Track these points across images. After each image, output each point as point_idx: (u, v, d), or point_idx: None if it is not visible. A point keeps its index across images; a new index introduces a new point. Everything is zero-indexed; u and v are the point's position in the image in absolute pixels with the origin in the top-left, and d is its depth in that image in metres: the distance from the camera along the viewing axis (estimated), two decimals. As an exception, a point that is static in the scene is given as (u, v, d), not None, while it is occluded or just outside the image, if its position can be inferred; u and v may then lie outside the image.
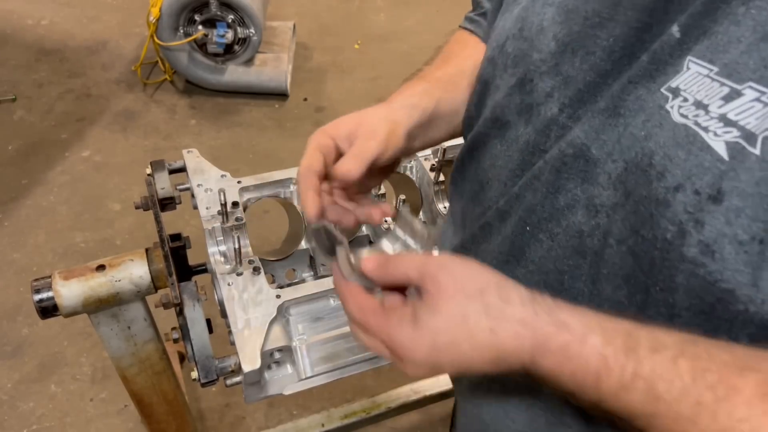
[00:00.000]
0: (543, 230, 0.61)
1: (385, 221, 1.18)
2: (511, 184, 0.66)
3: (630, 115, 0.54)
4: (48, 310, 1.03)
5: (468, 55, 0.85)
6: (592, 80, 0.59)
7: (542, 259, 0.62)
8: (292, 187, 1.22)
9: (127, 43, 3.42)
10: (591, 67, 0.59)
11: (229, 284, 1.03)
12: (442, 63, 0.86)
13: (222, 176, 1.17)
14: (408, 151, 0.75)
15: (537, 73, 0.63)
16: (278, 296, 1.02)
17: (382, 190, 1.20)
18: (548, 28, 0.63)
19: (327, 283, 1.05)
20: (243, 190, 1.17)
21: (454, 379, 0.83)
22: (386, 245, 0.64)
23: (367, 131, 0.68)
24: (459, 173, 0.79)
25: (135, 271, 1.06)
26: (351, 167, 0.64)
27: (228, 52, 3.00)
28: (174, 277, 1.02)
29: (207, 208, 1.12)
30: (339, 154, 0.68)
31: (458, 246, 0.75)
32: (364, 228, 1.30)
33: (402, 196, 1.10)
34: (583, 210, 0.58)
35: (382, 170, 0.74)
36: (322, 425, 1.70)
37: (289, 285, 1.15)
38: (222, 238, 1.08)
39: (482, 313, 0.49)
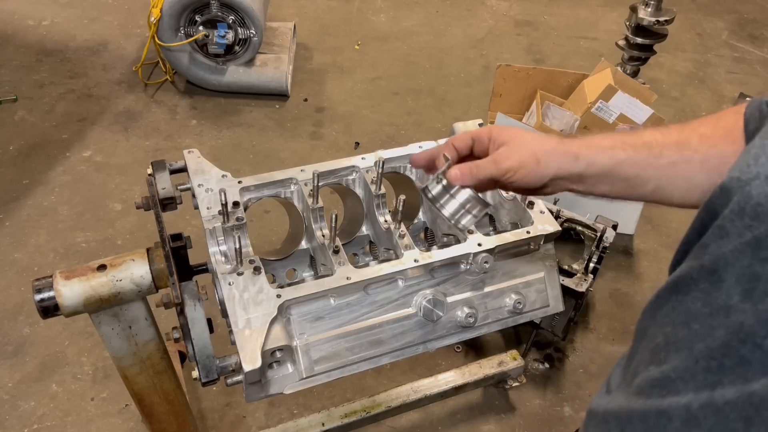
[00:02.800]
0: None
1: (385, 221, 1.19)
2: (708, 377, 0.53)
3: None
4: (49, 309, 1.04)
5: (709, 135, 0.75)
6: None
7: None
8: (293, 187, 1.23)
9: (128, 44, 3.43)
10: None
11: (229, 284, 1.03)
12: (659, 129, 0.80)
13: (223, 176, 1.18)
14: (554, 190, 0.85)
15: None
16: (279, 296, 1.02)
17: (382, 190, 1.20)
18: None
19: (327, 283, 1.05)
20: (244, 190, 1.17)
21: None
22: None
23: (504, 153, 0.83)
24: (651, 310, 0.66)
25: (136, 271, 1.06)
26: (458, 177, 0.83)
27: (229, 52, 3.00)
28: (175, 276, 1.02)
29: (208, 208, 1.12)
30: (486, 151, 0.86)
31: (625, 415, 0.63)
32: (364, 228, 1.30)
33: (402, 196, 1.11)
34: None
35: (519, 189, 0.85)
36: (323, 424, 1.71)
37: (289, 285, 1.15)
38: (223, 237, 1.08)
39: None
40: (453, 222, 0.87)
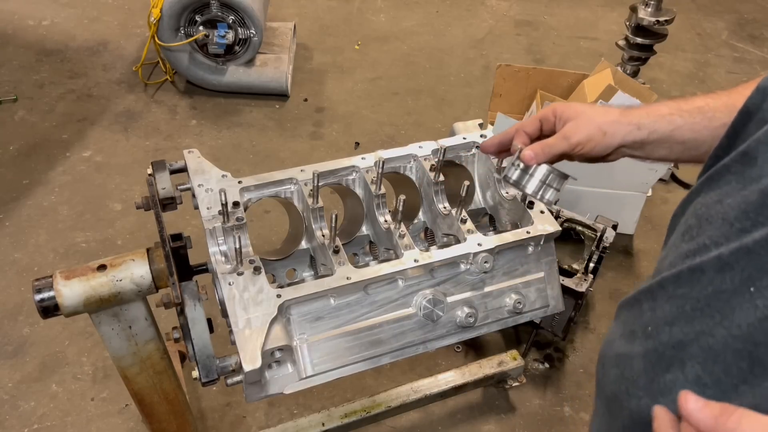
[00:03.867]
0: (763, 296, 0.54)
1: (385, 221, 1.19)
2: (741, 229, 0.58)
3: None
4: (49, 309, 1.04)
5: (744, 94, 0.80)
6: None
7: (751, 327, 0.56)
8: (293, 187, 1.23)
9: (128, 44, 3.43)
10: None
11: (229, 284, 1.03)
12: (709, 94, 0.89)
13: (223, 176, 1.18)
14: (617, 157, 0.93)
15: None
16: (279, 296, 1.02)
17: (382, 190, 1.20)
18: None
19: (327, 283, 1.05)
20: (244, 190, 1.17)
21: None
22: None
23: (572, 128, 0.90)
24: (683, 205, 0.72)
25: (136, 271, 1.06)
26: (532, 156, 0.91)
27: (229, 52, 3.00)
28: (175, 276, 1.02)
29: (208, 208, 1.12)
30: (553, 128, 0.94)
31: (656, 284, 0.68)
32: (364, 228, 1.30)
33: (402, 196, 1.11)
34: None
35: (586, 159, 0.93)
36: (323, 424, 1.71)
37: (289, 284, 1.15)
38: (223, 237, 1.09)
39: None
40: (538, 198, 0.95)
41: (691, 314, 0.61)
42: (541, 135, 0.97)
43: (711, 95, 0.87)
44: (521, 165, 0.93)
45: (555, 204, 1.02)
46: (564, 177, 0.94)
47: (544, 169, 0.93)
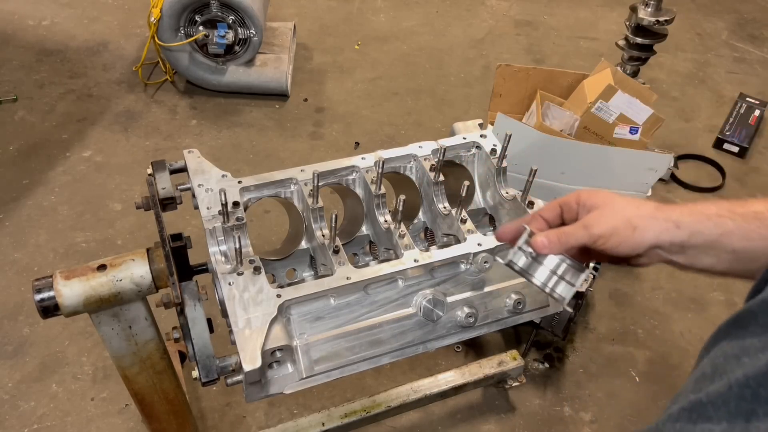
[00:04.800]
0: None
1: (385, 221, 1.19)
2: (740, 402, 0.52)
3: None
4: (49, 309, 1.04)
5: None
6: None
7: None
8: (293, 187, 1.23)
9: (128, 44, 3.43)
10: None
11: (229, 284, 1.03)
12: None
13: (223, 176, 1.18)
14: (651, 261, 0.79)
15: None
16: (279, 296, 1.02)
17: (382, 190, 1.21)
18: None
19: (327, 283, 1.05)
20: (244, 190, 1.17)
21: None
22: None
23: (595, 218, 0.78)
24: (712, 341, 0.64)
25: (136, 271, 1.06)
26: (545, 245, 0.78)
27: (228, 52, 3.00)
28: (175, 276, 1.02)
29: (208, 208, 1.12)
30: (576, 217, 0.81)
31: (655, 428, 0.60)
32: (364, 228, 1.30)
33: (402, 196, 1.11)
34: None
35: (611, 258, 0.80)
36: (323, 424, 1.71)
37: (289, 284, 1.15)
38: (223, 237, 1.09)
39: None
40: (547, 291, 0.82)
41: None
42: (562, 224, 0.85)
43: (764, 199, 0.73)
44: (531, 251, 0.81)
45: (568, 304, 0.88)
46: (581, 269, 0.81)
47: (557, 257, 0.80)
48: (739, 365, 0.55)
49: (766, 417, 0.49)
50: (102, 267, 1.05)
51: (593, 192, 0.81)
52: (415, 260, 1.10)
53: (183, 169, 1.21)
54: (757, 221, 0.72)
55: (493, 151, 1.29)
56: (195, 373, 1.04)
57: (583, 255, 0.83)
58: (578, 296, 1.90)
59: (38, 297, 1.03)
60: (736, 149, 3.02)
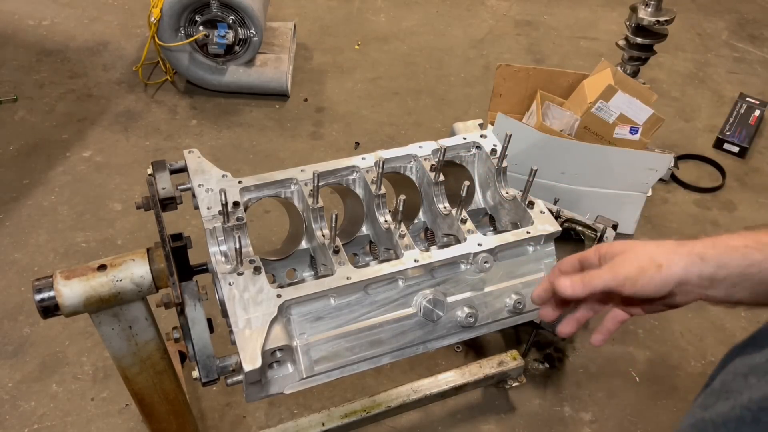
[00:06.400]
0: None
1: (385, 221, 1.19)
2: (740, 425, 0.54)
3: None
4: (49, 309, 1.04)
5: None
6: None
7: None
8: (293, 187, 1.23)
9: (128, 44, 3.43)
10: None
11: (230, 284, 1.03)
12: None
13: (223, 176, 1.18)
14: (685, 300, 0.77)
15: None
16: (279, 296, 1.02)
17: (383, 190, 1.20)
18: None
19: (327, 283, 1.05)
20: (244, 190, 1.17)
21: None
22: None
23: (619, 261, 0.76)
24: (728, 356, 0.66)
25: (136, 271, 1.06)
26: (569, 287, 0.77)
27: (229, 52, 3.00)
28: (175, 276, 1.02)
29: (208, 208, 1.12)
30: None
31: None
32: (364, 228, 1.30)
33: (402, 196, 1.11)
34: None
35: (643, 303, 0.79)
36: (323, 424, 1.71)
37: (289, 285, 1.15)
38: (223, 237, 1.09)
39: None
40: None
41: None
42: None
43: None
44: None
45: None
46: None
47: None
48: (746, 385, 0.54)
49: None
50: (102, 267, 1.05)
51: (614, 243, 0.81)
52: (415, 260, 1.10)
53: (183, 169, 1.21)
54: None
55: (493, 151, 1.29)
56: (195, 373, 1.04)
57: (615, 303, 0.82)
58: (578, 296, 1.90)
59: (38, 297, 1.02)
60: (736, 149, 3.02)
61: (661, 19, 2.62)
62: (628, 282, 0.74)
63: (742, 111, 3.17)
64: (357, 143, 2.94)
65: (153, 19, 2.82)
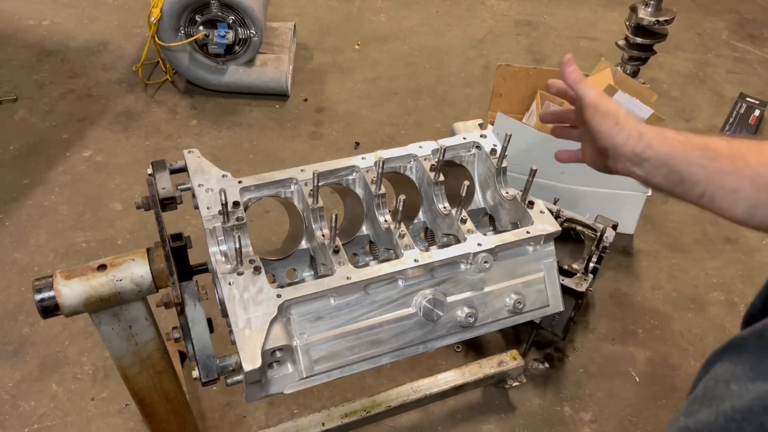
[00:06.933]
0: None
1: (385, 221, 1.19)
2: None
3: None
4: (49, 309, 1.04)
5: None
6: None
7: None
8: (293, 187, 1.23)
9: (128, 44, 3.43)
10: None
11: (230, 284, 1.03)
12: (728, 138, 0.82)
13: (223, 176, 1.18)
14: (618, 167, 0.93)
15: None
16: (279, 295, 1.02)
17: (382, 190, 1.21)
18: None
19: (327, 283, 1.05)
20: (244, 189, 1.17)
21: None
22: None
23: (602, 96, 0.95)
24: (710, 361, 0.66)
25: (136, 271, 1.06)
26: (569, 61, 1.05)
27: (229, 52, 3.00)
28: (175, 276, 1.02)
29: (208, 208, 1.12)
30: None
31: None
32: (364, 228, 1.30)
33: (402, 196, 1.11)
34: None
35: (591, 139, 0.96)
36: (323, 424, 1.71)
37: (289, 284, 1.15)
38: (223, 237, 1.09)
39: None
40: None
41: None
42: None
43: (727, 139, 0.80)
44: None
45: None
46: None
47: None
48: (728, 393, 0.56)
49: None
50: (102, 267, 1.05)
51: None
52: (415, 260, 1.10)
53: (183, 169, 1.21)
54: (702, 150, 0.80)
55: (493, 151, 1.29)
56: (195, 373, 1.04)
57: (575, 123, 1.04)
58: (578, 296, 1.90)
59: (38, 297, 1.03)
60: (736, 149, 3.02)
61: (661, 19, 2.62)
62: (590, 110, 0.93)
63: (742, 111, 3.17)
64: (357, 143, 2.94)
65: (153, 19, 2.82)
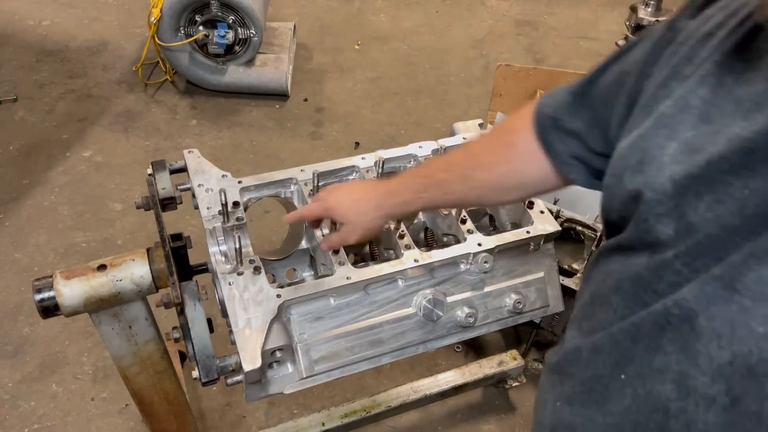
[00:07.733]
0: (631, 385, 0.56)
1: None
2: (617, 318, 0.60)
3: (748, 295, 0.47)
4: (49, 309, 1.04)
5: (490, 161, 0.88)
6: (714, 233, 0.51)
7: (621, 416, 0.57)
8: (293, 187, 1.23)
9: (128, 44, 3.43)
10: (716, 217, 0.50)
11: (229, 284, 1.03)
12: (453, 162, 0.92)
13: (223, 176, 1.18)
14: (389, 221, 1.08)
15: (652, 214, 0.56)
16: (279, 296, 1.02)
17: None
18: (667, 166, 0.55)
19: (327, 283, 1.05)
20: (244, 190, 1.17)
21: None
22: None
23: (348, 229, 0.96)
24: (589, 270, 0.72)
25: (136, 271, 1.06)
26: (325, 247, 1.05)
27: (229, 52, 3.00)
28: (175, 276, 1.02)
29: (208, 208, 1.12)
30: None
31: (555, 364, 0.70)
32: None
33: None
34: (673, 385, 0.52)
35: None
36: (323, 424, 1.71)
37: (289, 284, 1.15)
38: (223, 237, 1.09)
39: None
40: None
41: (580, 397, 0.62)
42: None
43: (447, 166, 0.92)
44: None
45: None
46: None
47: None
48: (608, 287, 0.65)
49: (620, 320, 0.61)
50: (102, 267, 1.05)
51: (334, 206, 1.00)
52: (415, 260, 1.10)
53: (183, 169, 1.20)
54: (440, 189, 0.89)
55: (493, 151, 1.29)
56: (195, 373, 1.04)
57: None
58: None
59: (38, 297, 1.02)
60: (736, 149, 3.01)
61: (661, 18, 2.61)
62: (347, 238, 0.99)
63: (742, 111, 3.16)
64: (357, 143, 2.94)
65: (153, 19, 2.82)
